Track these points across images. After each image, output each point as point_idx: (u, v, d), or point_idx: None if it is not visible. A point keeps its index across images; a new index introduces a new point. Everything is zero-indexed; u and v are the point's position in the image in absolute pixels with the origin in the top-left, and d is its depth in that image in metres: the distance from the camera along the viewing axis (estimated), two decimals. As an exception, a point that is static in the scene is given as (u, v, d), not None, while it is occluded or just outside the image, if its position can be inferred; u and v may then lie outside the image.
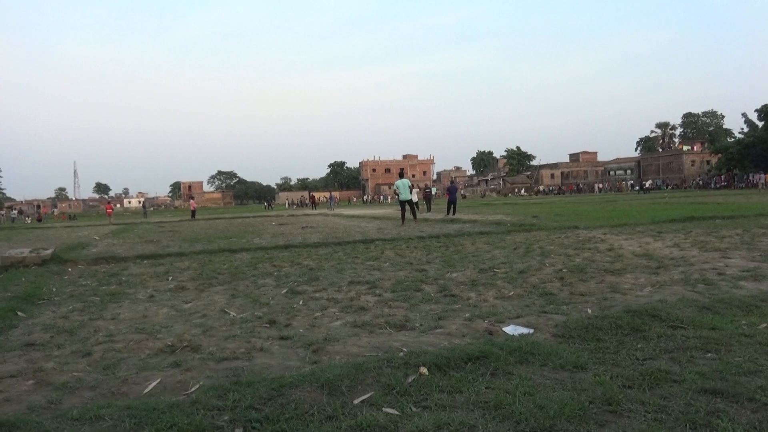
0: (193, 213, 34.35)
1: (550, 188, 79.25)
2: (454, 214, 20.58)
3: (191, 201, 37.11)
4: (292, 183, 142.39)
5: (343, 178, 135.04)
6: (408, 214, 17.69)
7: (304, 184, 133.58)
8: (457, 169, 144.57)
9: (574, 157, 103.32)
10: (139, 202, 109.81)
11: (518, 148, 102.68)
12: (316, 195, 66.52)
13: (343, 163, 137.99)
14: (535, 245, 9.00)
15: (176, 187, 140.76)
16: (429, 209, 26.95)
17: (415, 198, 16.60)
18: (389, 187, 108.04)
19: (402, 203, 16.68)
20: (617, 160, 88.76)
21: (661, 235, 9.80)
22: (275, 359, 3.61)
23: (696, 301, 4.51)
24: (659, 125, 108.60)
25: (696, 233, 9.90)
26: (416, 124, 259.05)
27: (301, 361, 3.55)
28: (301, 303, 5.24)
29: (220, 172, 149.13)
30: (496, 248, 8.89)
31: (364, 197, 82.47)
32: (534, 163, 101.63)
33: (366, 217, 22.99)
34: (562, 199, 41.79)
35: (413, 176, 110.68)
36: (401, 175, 17.08)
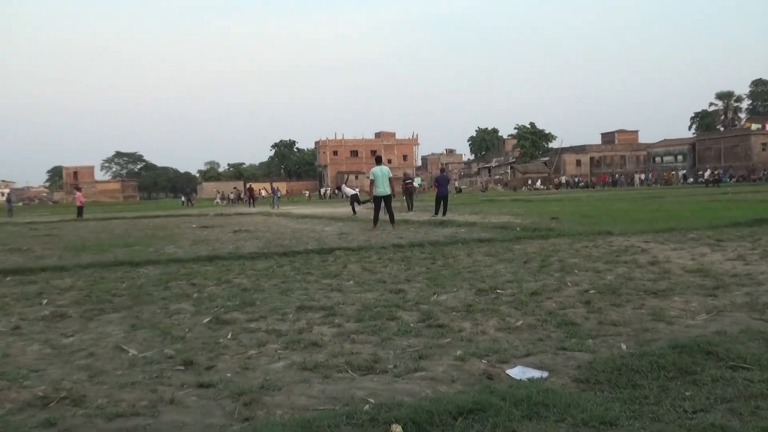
0: (80, 210, 33.65)
1: (576, 179, 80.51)
2: (444, 214, 20.73)
3: (77, 193, 36.25)
4: (220, 170, 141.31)
5: (293, 164, 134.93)
6: (383, 215, 17.71)
7: (237, 172, 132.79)
8: (450, 152, 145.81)
9: (608, 138, 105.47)
10: (2, 194, 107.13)
11: (532, 125, 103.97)
12: (256, 187, 66.00)
13: (292, 144, 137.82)
14: (554, 257, 9.12)
15: (56, 173, 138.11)
16: (410, 207, 27.07)
17: (389, 191, 16.65)
18: (356, 177, 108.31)
19: (377, 200, 16.73)
20: (665, 143, 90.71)
21: (721, 244, 10.05)
22: (191, 415, 3.56)
23: (764, 334, 4.63)
24: (720, 96, 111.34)
25: (767, 242, 10.17)
26: (393, 91, 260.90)
27: (228, 417, 3.52)
28: (229, 336, 5.19)
29: (119, 155, 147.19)
30: (501, 261, 8.98)
31: (322, 190, 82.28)
32: (553, 145, 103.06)
33: (324, 218, 22.99)
34: (591, 195, 42.53)
35: (389, 162, 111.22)
36: (378, 161, 17.18)
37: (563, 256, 9.27)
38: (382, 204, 16.77)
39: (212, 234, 17.04)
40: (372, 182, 16.76)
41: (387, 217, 17.27)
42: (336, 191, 72.47)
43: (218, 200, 70.14)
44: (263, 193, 62.97)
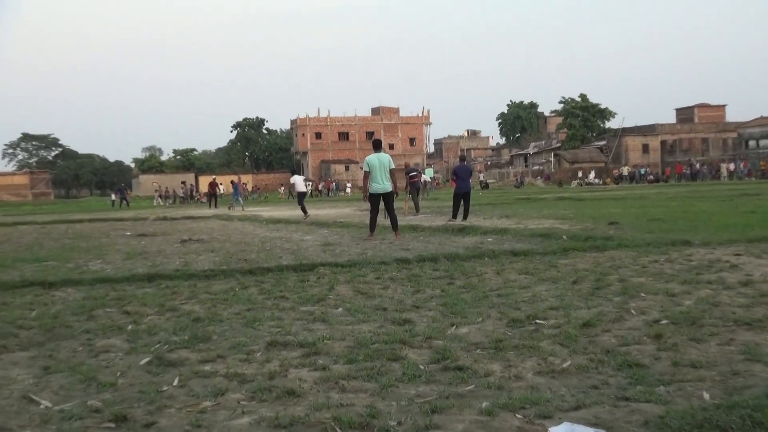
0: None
1: (642, 170, 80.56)
2: (465, 217, 20.76)
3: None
4: (164, 158, 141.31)
5: (261, 150, 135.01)
6: (383, 218, 17.68)
7: (186, 161, 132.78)
8: (473, 135, 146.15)
9: (685, 116, 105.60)
10: None
11: (583, 97, 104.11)
12: (220, 180, 66.02)
13: (260, 123, 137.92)
14: (612, 276, 9.13)
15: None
16: (417, 209, 27.07)
17: (389, 187, 16.64)
18: (346, 168, 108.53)
19: (374, 198, 16.74)
20: (761, 121, 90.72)
21: (838, 258, 10.04)
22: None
23: None
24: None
25: None
26: (396, 50, 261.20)
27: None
28: (176, 383, 5.19)
29: (26, 137, 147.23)
30: (542, 281, 8.99)
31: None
32: (612, 125, 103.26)
33: (303, 223, 23.00)
34: (663, 191, 42.54)
35: (390, 148, 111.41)
36: (377, 146, 17.05)
37: (625, 274, 9.29)
38: (381, 204, 16.75)
39: (153, 245, 17.03)
40: (367, 174, 16.67)
41: (388, 221, 17.23)
42: (282, 189, 72.81)
43: (158, 200, 70.03)
44: (221, 189, 62.95)
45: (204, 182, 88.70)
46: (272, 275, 10.39)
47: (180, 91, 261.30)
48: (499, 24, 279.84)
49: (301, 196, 30.12)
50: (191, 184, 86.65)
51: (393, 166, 16.75)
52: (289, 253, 13.40)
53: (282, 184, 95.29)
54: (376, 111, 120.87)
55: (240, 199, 44.99)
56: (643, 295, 7.77)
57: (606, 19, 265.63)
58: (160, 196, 71.84)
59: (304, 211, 28.16)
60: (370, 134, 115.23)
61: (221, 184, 65.13)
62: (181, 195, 72.66)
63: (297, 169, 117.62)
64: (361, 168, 16.70)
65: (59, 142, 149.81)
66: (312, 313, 7.46)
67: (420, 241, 15.22)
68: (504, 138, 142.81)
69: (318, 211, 33.65)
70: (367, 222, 17.34)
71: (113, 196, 67.69)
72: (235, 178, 60.07)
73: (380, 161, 16.54)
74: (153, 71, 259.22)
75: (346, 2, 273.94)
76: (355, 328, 6.71)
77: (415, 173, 29.16)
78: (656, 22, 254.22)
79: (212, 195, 49.67)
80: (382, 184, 16.55)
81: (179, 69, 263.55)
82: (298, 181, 31.21)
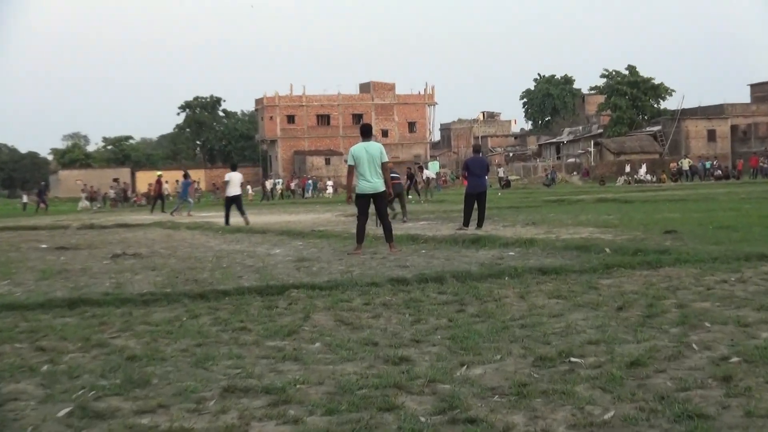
0: None
1: (708, 164, 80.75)
2: (480, 224, 20.79)
3: None
4: (90, 149, 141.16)
5: (217, 139, 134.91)
6: (374, 226, 17.65)
7: (120, 152, 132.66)
8: (490, 118, 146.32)
9: (763, 93, 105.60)
10: None
11: (632, 69, 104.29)
12: (167, 177, 65.90)
13: (215, 104, 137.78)
14: (668, 300, 9.12)
15: None
16: (403, 214, 26.98)
17: (381, 185, 16.55)
18: (326, 161, 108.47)
19: (362, 200, 16.73)
20: None
21: None
22: None
23: None
24: None
25: None
26: (391, 10, 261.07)
27: None
28: (105, 441, 5.17)
29: None
30: (578, 308, 8.99)
31: (267, 184, 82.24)
32: (669, 105, 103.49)
33: (271, 232, 22.95)
34: (734, 191, 42.60)
35: (384, 135, 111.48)
36: (366, 133, 16.94)
37: (685, 297, 9.30)
38: (372, 207, 16.75)
39: (76, 261, 16.97)
40: (352, 170, 16.67)
41: (380, 229, 17.21)
42: (249, 188, 72.66)
43: (84, 202, 69.79)
44: (167, 188, 62.76)
45: (143, 180, 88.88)
46: (230, 300, 10.36)
47: (111, 63, 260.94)
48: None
49: (230, 201, 29.41)
50: (125, 182, 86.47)
51: (386, 159, 16.63)
52: (253, 272, 13.38)
53: (246, 181, 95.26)
54: (365, 88, 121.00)
55: (190, 200, 44.61)
56: (707, 325, 7.76)
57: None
58: (88, 198, 71.54)
59: (227, 221, 28.40)
60: (357, 117, 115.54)
61: (167, 182, 65.05)
62: (113, 196, 72.42)
63: (265, 162, 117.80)
64: (345, 161, 16.54)
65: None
66: (281, 350, 7.44)
67: (422, 255, 15.21)
68: (530, 122, 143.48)
69: (290, 216, 33.64)
70: (354, 231, 17.30)
71: (25, 198, 67.60)
72: (186, 174, 59.93)
73: (369, 153, 16.35)
74: (75, 37, 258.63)
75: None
76: (337, 368, 6.69)
77: (396, 175, 28.92)
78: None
79: (158, 196, 49.62)
80: (371, 181, 16.38)
81: (109, 34, 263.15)
82: (234, 180, 30.15)
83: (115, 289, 11.77)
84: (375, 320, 8.73)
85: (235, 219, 28.46)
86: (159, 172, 57.49)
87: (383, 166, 16.52)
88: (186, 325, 8.82)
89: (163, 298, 10.57)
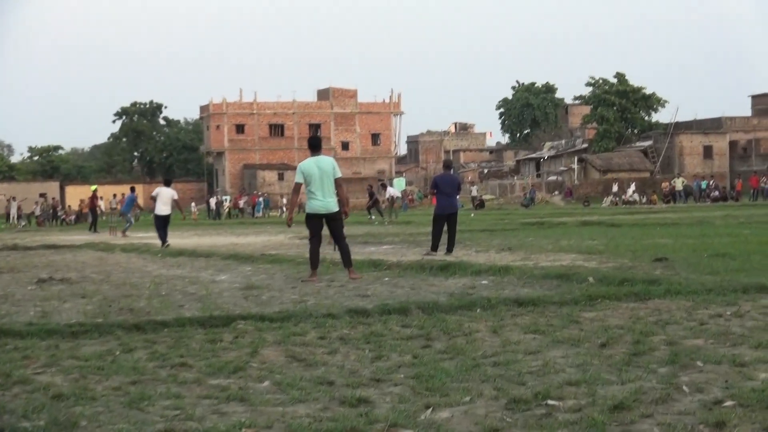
0: None
1: (703, 184, 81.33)
2: (450, 249, 20.81)
3: None
4: (14, 160, 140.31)
5: (157, 150, 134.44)
6: (330, 250, 17.63)
7: (48, 164, 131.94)
8: (463, 130, 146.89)
9: (763, 106, 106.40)
10: None
11: (620, 77, 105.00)
12: (101, 192, 65.50)
13: (156, 110, 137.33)
14: (658, 336, 9.18)
15: None
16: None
17: (334, 204, 16.56)
18: (279, 176, 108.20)
19: (314, 221, 16.76)
20: None
21: None
22: None
23: None
24: None
25: None
26: (353, 7, 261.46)
27: None
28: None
29: None
30: (557, 344, 9.02)
31: (212, 201, 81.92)
32: (661, 118, 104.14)
33: (217, 256, 22.89)
34: (731, 214, 42.89)
35: (344, 148, 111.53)
36: (314, 147, 17.03)
37: (676, 333, 9.34)
38: (325, 227, 16.75)
39: (-4, 286, 16.86)
40: (298, 187, 16.71)
41: (337, 253, 17.21)
42: (193, 205, 72.21)
43: (14, 219, 69.11)
44: (101, 205, 62.33)
45: (73, 194, 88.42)
46: (169, 332, 10.30)
47: (38, 64, 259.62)
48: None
49: (160, 221, 29.20)
50: (54, 198, 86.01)
51: (339, 175, 16.60)
52: (195, 300, 13.34)
53: (190, 197, 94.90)
54: (324, 94, 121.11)
55: (131, 217, 43.54)
56: (699, 364, 7.81)
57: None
58: (18, 217, 70.82)
59: (163, 241, 28.49)
60: (314, 127, 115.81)
61: (101, 197, 64.71)
62: (39, 213, 71.87)
63: (210, 177, 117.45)
64: (299, 180, 16.40)
65: None
66: (226, 389, 7.43)
67: (384, 283, 15.22)
68: (507, 135, 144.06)
69: (238, 238, 33.54)
70: (308, 255, 17.23)
71: None
72: (125, 187, 59.62)
73: (321, 168, 16.31)
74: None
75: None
76: (288, 410, 6.68)
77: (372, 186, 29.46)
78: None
79: (93, 213, 49.33)
80: (323, 200, 16.35)
81: (36, 33, 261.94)
82: (164, 197, 29.63)
83: (41, 318, 11.69)
84: (331, 356, 8.72)
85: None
86: (93, 186, 57.09)
87: (337, 182, 16.52)
88: (119, 360, 8.77)
89: (94, 330, 10.50)
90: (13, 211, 70.18)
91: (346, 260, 16.65)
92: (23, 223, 68.67)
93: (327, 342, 9.49)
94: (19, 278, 18.51)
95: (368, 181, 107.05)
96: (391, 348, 9.03)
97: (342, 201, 16.77)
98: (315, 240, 16.62)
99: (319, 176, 16.25)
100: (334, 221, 16.66)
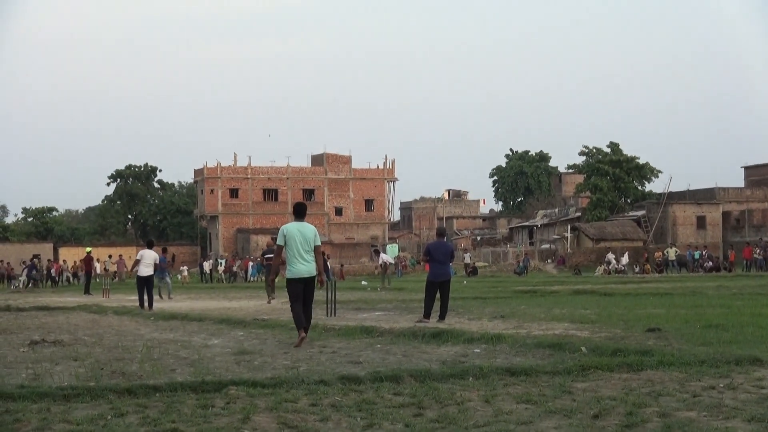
0: None
1: (696, 254, 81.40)
2: (443, 316, 20.82)
3: None
4: (8, 221, 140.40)
5: (151, 213, 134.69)
6: (324, 315, 17.66)
7: (42, 225, 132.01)
8: (456, 197, 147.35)
9: (758, 177, 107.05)
10: None
11: (614, 147, 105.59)
12: (96, 254, 65.25)
13: (150, 173, 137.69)
14: (650, 408, 9.18)
15: None
16: (270, 297, 27.55)
17: (314, 269, 16.75)
18: (273, 240, 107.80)
19: (295, 285, 16.84)
20: None
21: None
22: None
23: None
24: None
25: None
26: (348, 75, 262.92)
27: None
28: None
29: None
30: (549, 414, 9.03)
31: (206, 264, 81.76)
32: (655, 188, 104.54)
33: (209, 320, 22.85)
34: (724, 284, 42.89)
35: (338, 213, 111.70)
36: (299, 213, 17.33)
37: (669, 405, 9.34)
38: (305, 293, 16.86)
39: (-12, 348, 16.83)
40: (280, 250, 16.96)
41: (328, 320, 17.25)
42: (184, 268, 72.11)
43: (21, 281, 68.23)
44: (96, 267, 61.97)
45: (67, 256, 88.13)
46: (161, 397, 10.29)
47: (33, 124, 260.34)
48: (495, 40, 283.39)
49: (142, 282, 29.36)
50: (49, 260, 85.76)
51: (319, 242, 16.94)
52: (187, 365, 13.32)
53: (182, 260, 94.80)
54: (317, 160, 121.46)
55: (168, 279, 41.24)
56: (693, 437, 7.80)
57: (646, 37, 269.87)
58: (28, 278, 70.23)
59: (141, 304, 28.93)
60: (308, 192, 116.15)
61: (98, 260, 64.42)
62: (35, 274, 71.31)
63: (204, 241, 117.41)
64: (274, 242, 16.68)
65: None
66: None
67: (376, 350, 15.19)
68: (501, 203, 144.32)
69: (230, 303, 33.50)
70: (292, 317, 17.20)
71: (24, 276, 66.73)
72: (119, 249, 59.46)
73: (303, 234, 16.64)
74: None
75: (279, 3, 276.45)
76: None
77: (270, 253, 31.60)
78: (716, 41, 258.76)
79: (88, 275, 49.21)
80: (305, 264, 16.61)
81: (32, 91, 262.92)
82: (147, 259, 29.75)
83: (32, 381, 11.68)
84: (323, 424, 8.72)
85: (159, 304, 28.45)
86: (88, 249, 56.70)
87: (316, 249, 16.78)
88: (111, 424, 8.75)
89: (86, 393, 10.46)
90: (23, 274, 69.30)
91: (307, 320, 16.82)
92: (15, 284, 68.49)
93: (319, 409, 9.48)
94: (12, 340, 18.49)
95: (362, 247, 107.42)
96: (383, 416, 9.03)
97: (318, 269, 16.90)
98: (297, 304, 16.71)
99: (300, 241, 16.59)
100: (310, 285, 16.87)
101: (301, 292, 16.73)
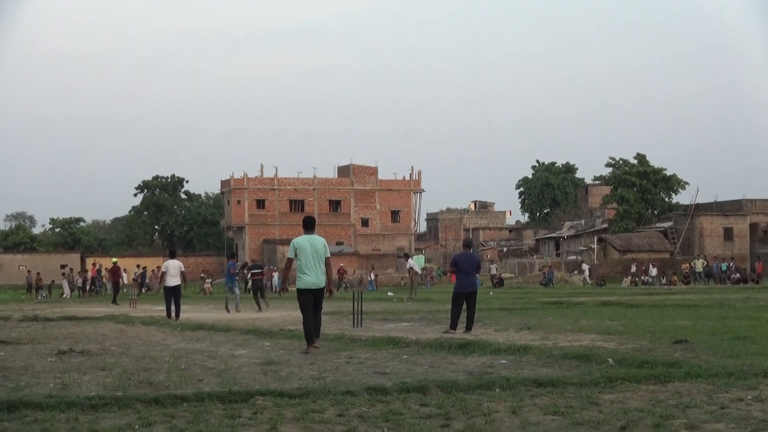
0: None
1: (724, 266, 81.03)
2: (469, 327, 20.78)
3: None
4: (36, 231, 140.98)
5: (178, 224, 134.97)
6: (350, 326, 17.71)
7: (69, 236, 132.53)
8: (483, 209, 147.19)
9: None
10: None
11: (641, 158, 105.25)
12: (124, 264, 65.29)
13: (177, 184, 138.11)
14: (678, 420, 9.15)
15: None
16: (259, 306, 28.47)
17: (323, 281, 17.53)
18: (254, 258, 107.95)
19: (305, 296, 17.43)
20: None
21: None
22: None
23: None
24: None
25: None
26: (374, 87, 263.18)
27: None
28: None
29: None
30: (575, 425, 9.02)
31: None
32: (682, 200, 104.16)
33: (236, 330, 22.87)
34: (752, 296, 42.67)
35: (364, 224, 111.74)
36: (309, 226, 18.03)
37: (696, 417, 9.31)
38: (313, 302, 17.45)
39: (16, 357, 16.86)
40: (290, 263, 17.69)
41: (355, 330, 17.32)
42: (208, 280, 72.02)
43: (66, 290, 67.46)
44: (124, 278, 61.87)
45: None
46: (188, 407, 10.31)
47: (61, 135, 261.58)
48: (522, 52, 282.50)
49: (169, 291, 29.75)
50: (70, 268, 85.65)
51: (329, 254, 17.67)
52: (214, 375, 13.34)
53: (206, 270, 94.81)
54: (344, 171, 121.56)
55: (236, 289, 38.51)
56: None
57: (673, 49, 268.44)
58: (33, 288, 70.16)
59: (169, 314, 29.21)
60: (335, 204, 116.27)
61: (125, 270, 64.37)
62: (79, 285, 70.27)
63: (230, 251, 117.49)
64: (292, 254, 17.54)
65: None
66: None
67: (403, 361, 15.18)
68: (527, 214, 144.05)
69: (257, 313, 33.51)
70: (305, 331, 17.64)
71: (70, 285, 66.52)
72: (146, 260, 59.46)
73: (313, 246, 17.35)
74: (21, 105, 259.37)
75: (306, 19, 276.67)
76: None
77: (258, 270, 34.81)
78: (744, 51, 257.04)
79: (116, 285, 49.32)
80: (315, 277, 17.29)
81: (59, 103, 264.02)
82: (171, 268, 30.38)
83: (60, 390, 11.72)
84: (349, 435, 8.70)
85: (187, 314, 28.56)
86: (114, 259, 56.67)
87: (326, 261, 17.48)
88: (139, 434, 8.75)
89: (114, 403, 10.49)
90: (66, 286, 68.69)
91: (316, 331, 17.41)
92: (44, 294, 68.64)
93: (346, 419, 9.49)
94: (40, 350, 18.54)
95: (388, 258, 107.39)
96: (410, 427, 9.03)
97: (328, 279, 17.56)
98: (307, 315, 17.34)
99: (311, 253, 17.31)
100: (319, 296, 17.56)
101: (311, 302, 17.35)
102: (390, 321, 26.21)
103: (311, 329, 17.23)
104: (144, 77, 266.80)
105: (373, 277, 78.45)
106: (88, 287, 71.03)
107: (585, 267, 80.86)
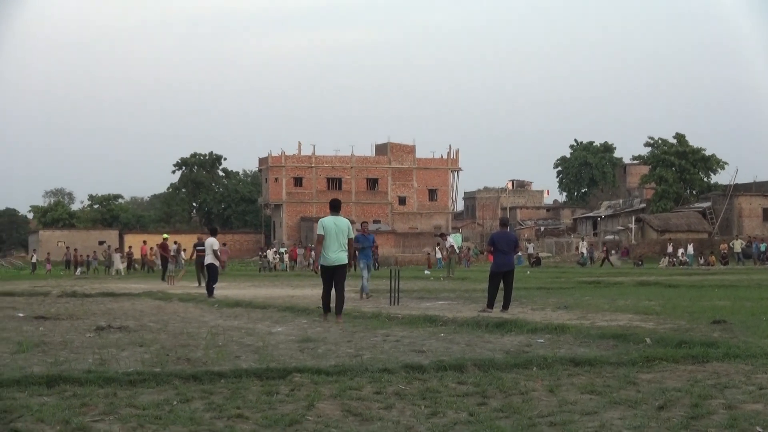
0: None
1: (762, 246, 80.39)
2: (506, 306, 20.72)
3: None
4: (74, 208, 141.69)
5: (216, 201, 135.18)
6: (388, 304, 17.72)
7: (108, 212, 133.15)
8: (520, 188, 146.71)
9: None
10: None
11: (680, 138, 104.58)
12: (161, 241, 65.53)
13: (215, 162, 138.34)
14: (716, 400, 9.08)
15: None
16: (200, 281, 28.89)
17: (345, 258, 19.24)
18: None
19: (327, 272, 18.93)
20: None
21: None
22: None
23: None
24: None
25: None
26: (411, 66, 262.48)
27: None
28: None
29: None
30: (614, 405, 8.96)
31: (270, 253, 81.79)
32: (721, 180, 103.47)
33: (272, 307, 22.90)
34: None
35: (401, 203, 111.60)
36: (335, 208, 19.26)
37: (734, 397, 9.24)
38: (333, 281, 18.90)
39: (56, 332, 16.96)
40: (320, 239, 18.71)
41: (391, 308, 17.33)
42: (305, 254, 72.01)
43: (118, 266, 67.48)
44: (153, 254, 61.95)
45: (132, 243, 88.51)
46: (226, 383, 10.33)
47: (100, 113, 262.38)
48: (561, 32, 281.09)
49: (211, 271, 29.76)
50: (109, 245, 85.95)
51: (353, 235, 19.34)
52: (251, 352, 13.37)
53: (249, 248, 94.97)
54: (381, 149, 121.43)
55: (179, 264, 43.58)
56: (759, 429, 7.72)
57: (712, 28, 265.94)
58: (74, 264, 70.55)
59: (209, 292, 28.97)
60: (372, 182, 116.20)
61: (176, 244, 64.40)
62: (124, 263, 69.93)
63: (268, 229, 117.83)
64: (319, 234, 18.89)
65: None
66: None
67: (440, 339, 15.18)
68: (565, 193, 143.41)
69: (294, 291, 33.54)
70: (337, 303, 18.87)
71: (35, 258, 67.14)
72: (183, 237, 59.47)
73: (338, 226, 18.69)
74: (61, 82, 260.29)
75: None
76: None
77: (201, 247, 34.14)
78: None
79: (164, 260, 49.06)
80: (336, 254, 18.62)
81: (99, 80, 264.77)
82: (208, 246, 30.59)
83: (99, 366, 11.75)
84: (387, 411, 8.72)
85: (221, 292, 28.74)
86: (165, 235, 55.85)
87: (349, 241, 19.09)
88: (176, 409, 8.80)
89: (152, 379, 10.55)
90: (117, 262, 68.58)
91: (339, 306, 18.81)
92: (82, 270, 69.04)
93: (383, 397, 9.49)
94: (78, 326, 18.65)
95: (425, 237, 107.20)
96: (447, 405, 9.01)
97: (350, 256, 19.37)
98: (326, 289, 19.09)
99: (335, 233, 18.65)
100: (340, 272, 18.92)
101: (331, 277, 18.83)
102: (427, 299, 26.19)
103: (327, 301, 18.87)
104: (184, 55, 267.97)
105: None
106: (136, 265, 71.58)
107: (582, 244, 79.90)
